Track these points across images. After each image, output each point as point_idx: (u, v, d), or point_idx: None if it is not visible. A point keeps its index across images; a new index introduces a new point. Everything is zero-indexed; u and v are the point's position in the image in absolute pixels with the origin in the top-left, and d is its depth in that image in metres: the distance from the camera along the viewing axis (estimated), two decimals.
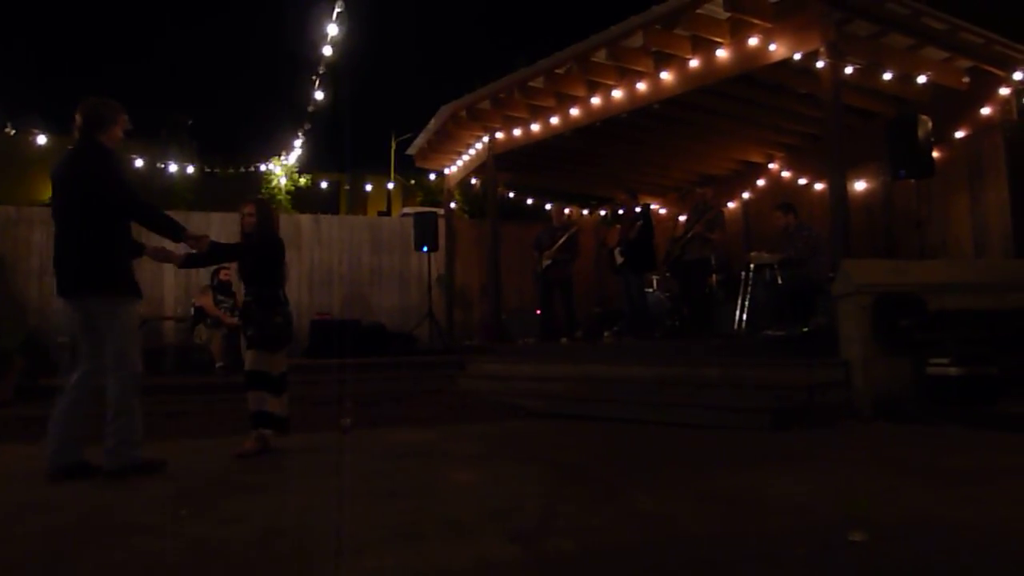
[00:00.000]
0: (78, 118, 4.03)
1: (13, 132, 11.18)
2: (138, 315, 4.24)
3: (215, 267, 8.83)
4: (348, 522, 2.90)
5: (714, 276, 9.11)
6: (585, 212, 13.87)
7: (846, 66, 7.02)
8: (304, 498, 3.43)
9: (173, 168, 12.79)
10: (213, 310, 8.85)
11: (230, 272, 8.65)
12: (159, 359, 9.60)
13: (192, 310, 9.18)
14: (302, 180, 16.07)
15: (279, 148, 15.06)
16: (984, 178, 7.92)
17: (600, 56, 8.14)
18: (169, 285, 10.39)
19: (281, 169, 15.68)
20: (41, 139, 11.44)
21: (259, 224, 4.92)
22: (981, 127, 7.97)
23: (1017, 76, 7.69)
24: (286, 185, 15.79)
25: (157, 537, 2.77)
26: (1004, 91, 7.75)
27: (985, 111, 7.90)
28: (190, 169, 13.13)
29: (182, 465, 4.29)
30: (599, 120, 8.96)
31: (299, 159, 15.22)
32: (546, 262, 9.46)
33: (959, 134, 8.16)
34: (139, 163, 11.88)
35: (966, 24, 7.12)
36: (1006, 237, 7.65)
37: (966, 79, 7.85)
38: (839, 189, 6.65)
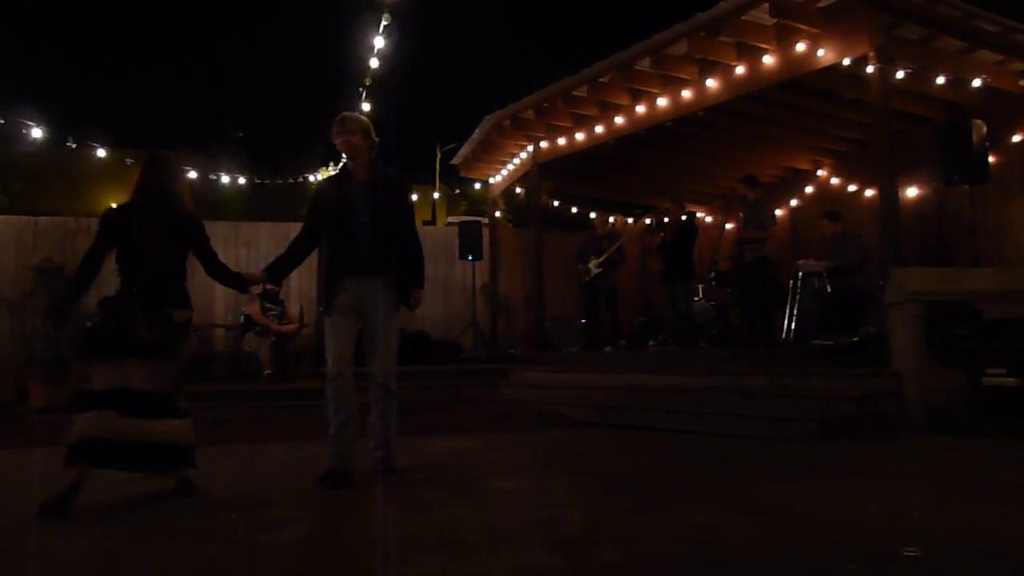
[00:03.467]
0: None
1: (74, 145, 11.52)
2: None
3: None
4: (390, 529, 2.94)
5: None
6: (630, 220, 13.81)
7: (896, 71, 6.89)
8: (347, 505, 3.49)
9: (225, 180, 13.09)
10: (261, 318, 9.04)
11: None
12: (210, 366, 9.84)
13: (242, 318, 9.40)
14: None
15: (327, 159, 15.28)
16: None
17: (644, 64, 8.12)
18: (219, 293, 10.56)
19: None
20: (100, 153, 11.80)
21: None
22: None
23: None
24: None
25: (201, 540, 2.85)
26: None
27: None
28: (241, 181, 13.43)
29: (226, 471, 4.39)
30: (643, 128, 8.92)
31: None
32: (595, 271, 9.43)
33: (1015, 138, 7.92)
34: (192, 175, 12.19)
35: (1020, 25, 6.92)
36: None
37: (1022, 82, 7.63)
38: (889, 196, 6.52)
